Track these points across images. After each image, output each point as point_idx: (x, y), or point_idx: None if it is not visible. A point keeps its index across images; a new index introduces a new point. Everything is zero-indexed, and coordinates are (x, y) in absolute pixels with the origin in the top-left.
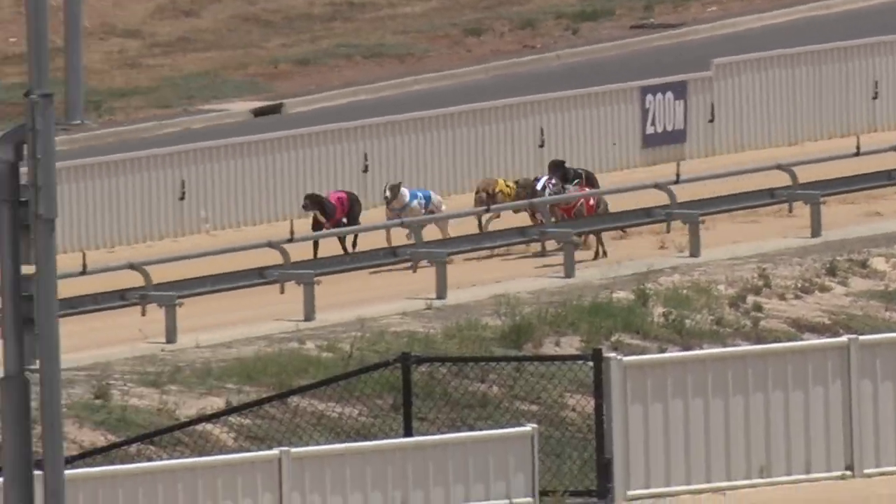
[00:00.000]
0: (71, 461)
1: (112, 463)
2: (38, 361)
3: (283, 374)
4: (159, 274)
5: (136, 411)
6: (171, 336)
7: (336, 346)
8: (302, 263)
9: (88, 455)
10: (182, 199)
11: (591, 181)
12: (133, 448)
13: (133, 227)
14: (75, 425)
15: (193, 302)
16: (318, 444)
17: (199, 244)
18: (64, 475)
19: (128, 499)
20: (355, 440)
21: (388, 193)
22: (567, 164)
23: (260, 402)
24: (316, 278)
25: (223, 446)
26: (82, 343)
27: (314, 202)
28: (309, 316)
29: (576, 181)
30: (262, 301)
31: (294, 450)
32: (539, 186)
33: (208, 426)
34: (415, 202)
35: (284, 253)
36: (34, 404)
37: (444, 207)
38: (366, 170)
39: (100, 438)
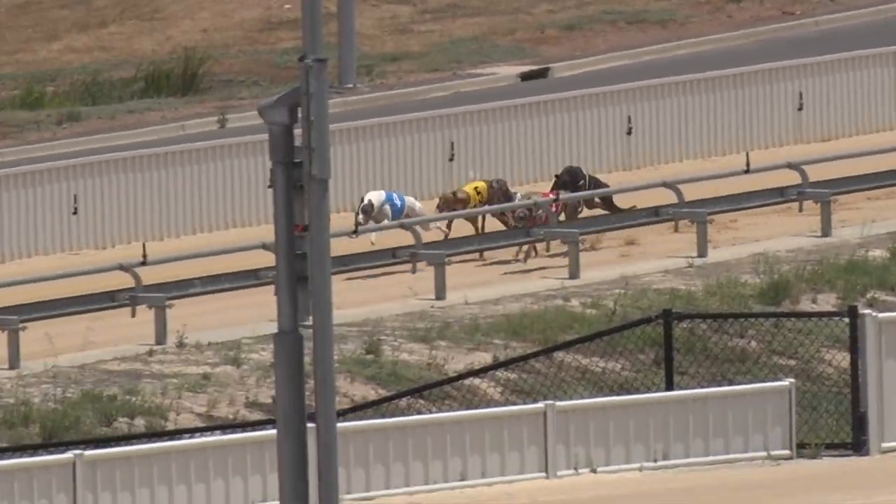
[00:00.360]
0: (342, 414)
1: (382, 416)
2: (311, 318)
3: (549, 330)
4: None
5: (406, 366)
6: (440, 293)
7: (600, 303)
8: (566, 223)
9: (360, 409)
10: (451, 160)
11: (597, 186)
12: (403, 402)
13: (403, 188)
14: (347, 380)
15: (461, 260)
16: (581, 397)
17: None
18: (336, 428)
19: (398, 451)
20: (618, 394)
21: (360, 217)
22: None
23: (526, 357)
24: (581, 237)
25: (490, 400)
26: (354, 300)
27: None
28: (574, 274)
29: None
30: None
31: (559, 403)
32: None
33: (476, 380)
34: (386, 206)
35: (550, 214)
36: (307, 359)
37: (418, 207)
38: (629, 132)
39: (371, 392)
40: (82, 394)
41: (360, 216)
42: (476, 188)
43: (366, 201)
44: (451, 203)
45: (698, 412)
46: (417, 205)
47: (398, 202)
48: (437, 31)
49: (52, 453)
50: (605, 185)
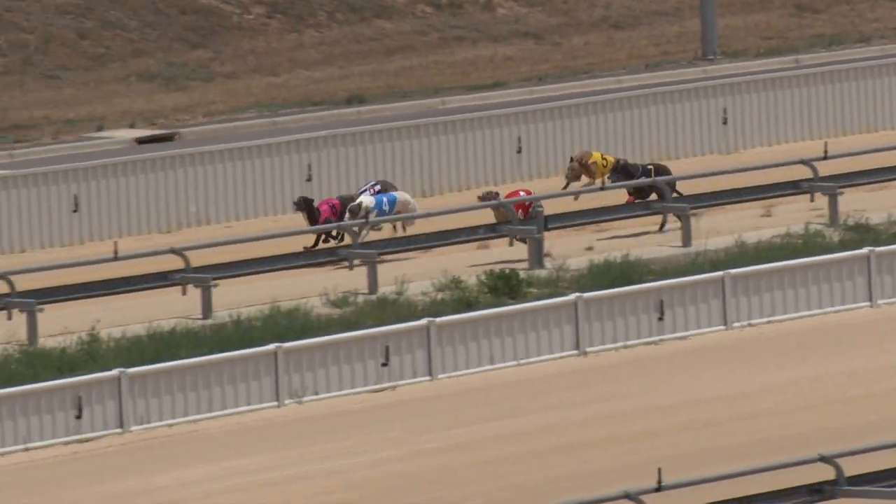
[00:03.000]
0: None
1: None
2: None
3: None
4: None
5: None
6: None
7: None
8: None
9: None
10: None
11: (660, 173)
12: None
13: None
14: None
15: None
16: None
17: None
18: None
19: None
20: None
21: (347, 216)
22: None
23: None
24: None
25: None
26: None
27: (306, 203)
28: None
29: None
30: None
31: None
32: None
33: None
34: (373, 210)
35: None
36: None
37: (411, 205)
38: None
39: None
40: None
41: (347, 215)
42: (603, 157)
43: (356, 202)
44: (578, 172)
45: None
46: (412, 201)
47: (386, 207)
48: None
49: None
50: (668, 172)
